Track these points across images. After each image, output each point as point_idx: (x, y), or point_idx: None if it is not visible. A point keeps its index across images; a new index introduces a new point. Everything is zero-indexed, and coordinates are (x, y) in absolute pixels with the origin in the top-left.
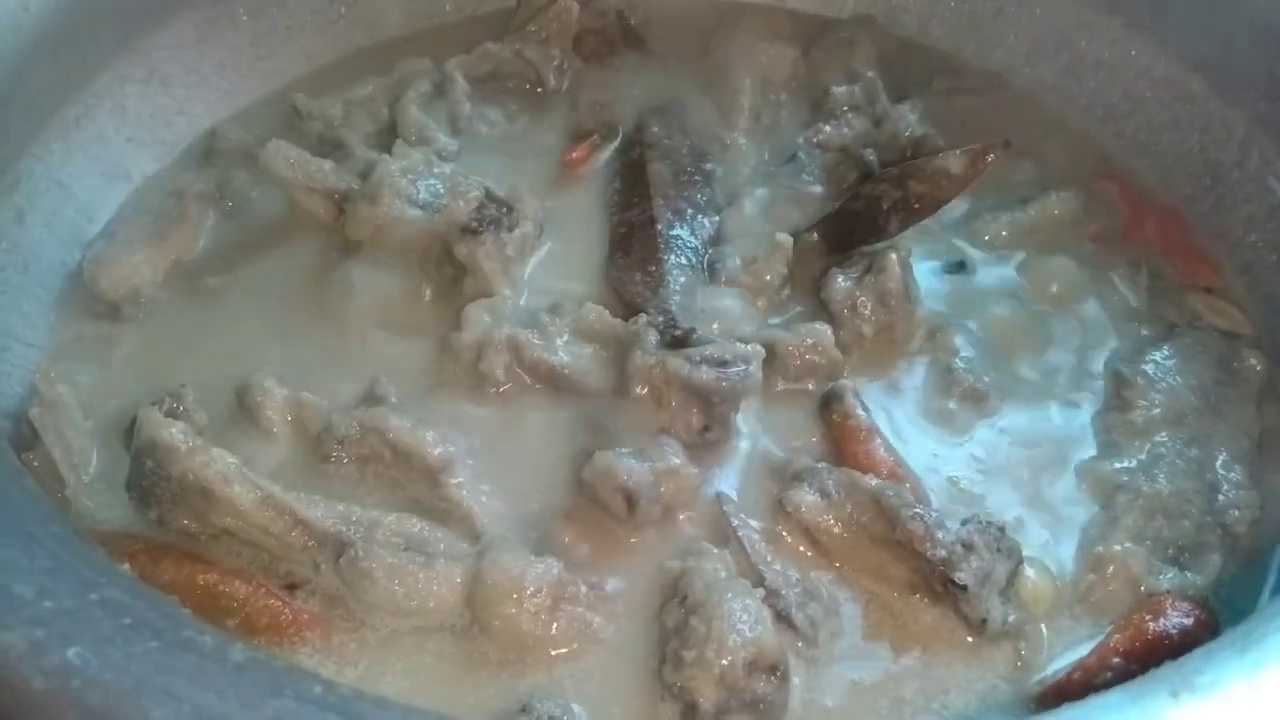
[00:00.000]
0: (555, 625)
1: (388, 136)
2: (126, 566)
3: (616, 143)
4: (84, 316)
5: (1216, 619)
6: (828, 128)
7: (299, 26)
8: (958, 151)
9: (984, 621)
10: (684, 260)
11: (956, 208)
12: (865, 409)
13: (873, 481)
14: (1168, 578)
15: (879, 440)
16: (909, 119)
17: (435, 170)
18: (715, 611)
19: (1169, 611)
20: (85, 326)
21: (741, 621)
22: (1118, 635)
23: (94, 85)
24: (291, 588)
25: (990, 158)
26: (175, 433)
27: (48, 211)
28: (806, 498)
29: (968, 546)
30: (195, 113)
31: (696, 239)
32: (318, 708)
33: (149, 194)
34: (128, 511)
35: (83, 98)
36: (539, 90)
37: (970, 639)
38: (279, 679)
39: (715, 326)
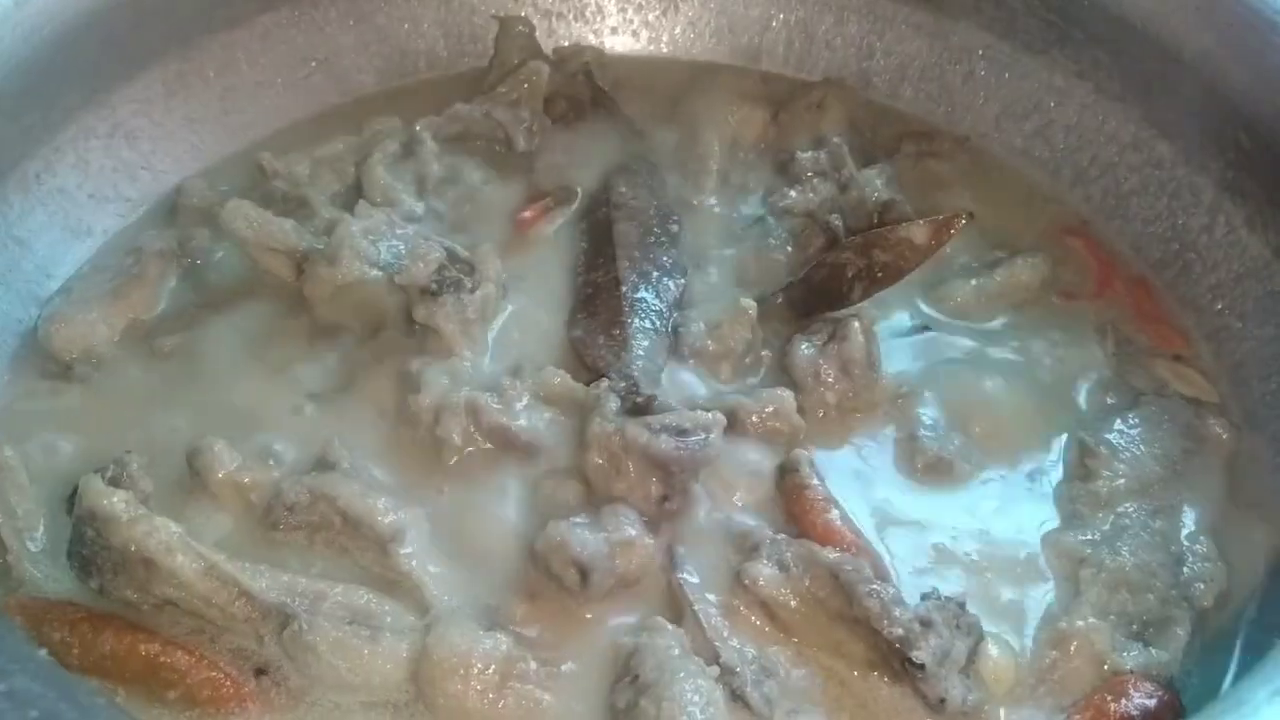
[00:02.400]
0: (502, 703)
1: (354, 196)
2: (44, 653)
3: (574, 206)
4: (37, 376)
5: (1180, 700)
6: (793, 193)
7: (269, 83)
8: (921, 222)
9: (943, 701)
10: (649, 324)
11: (922, 272)
12: (820, 479)
13: (831, 555)
14: (1132, 655)
15: (836, 511)
16: (875, 184)
17: (398, 231)
18: (665, 692)
19: (1131, 692)
20: (37, 386)
21: (693, 703)
22: (1078, 717)
23: (56, 140)
24: (260, 673)
25: (954, 229)
26: (116, 502)
27: (4, 268)
28: (764, 571)
29: (926, 624)
30: (161, 168)
31: (662, 302)
32: None
33: (111, 251)
34: (73, 580)
35: (44, 152)
36: (508, 151)
37: (929, 719)
38: None
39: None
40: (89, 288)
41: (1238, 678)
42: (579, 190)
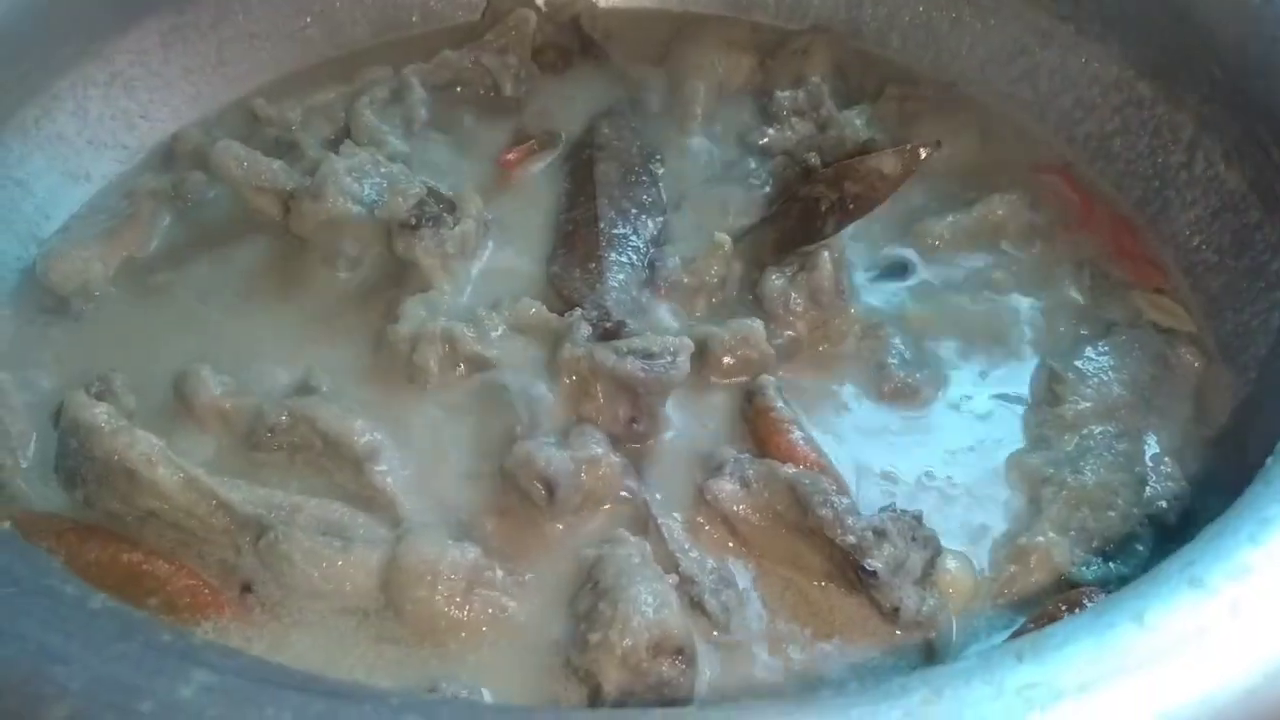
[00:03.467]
0: (469, 609)
1: (344, 140)
2: (7, 525)
3: (558, 149)
4: (35, 310)
5: None
6: (771, 131)
7: (264, 34)
8: (890, 151)
9: (896, 610)
10: (625, 258)
11: (901, 209)
12: (785, 402)
13: (790, 470)
14: (1091, 570)
15: (798, 432)
16: (855, 124)
17: (381, 169)
18: (621, 595)
19: (1085, 603)
20: (36, 319)
21: (646, 605)
22: (1031, 625)
23: (55, 88)
24: (246, 589)
25: (924, 155)
26: (99, 414)
27: (4, 208)
28: (726, 486)
29: (880, 533)
30: (158, 117)
31: (639, 238)
32: (161, 652)
33: (108, 195)
34: (62, 497)
35: (42, 99)
36: (496, 98)
37: (882, 627)
38: (130, 626)
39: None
40: (86, 228)
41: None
42: (563, 134)
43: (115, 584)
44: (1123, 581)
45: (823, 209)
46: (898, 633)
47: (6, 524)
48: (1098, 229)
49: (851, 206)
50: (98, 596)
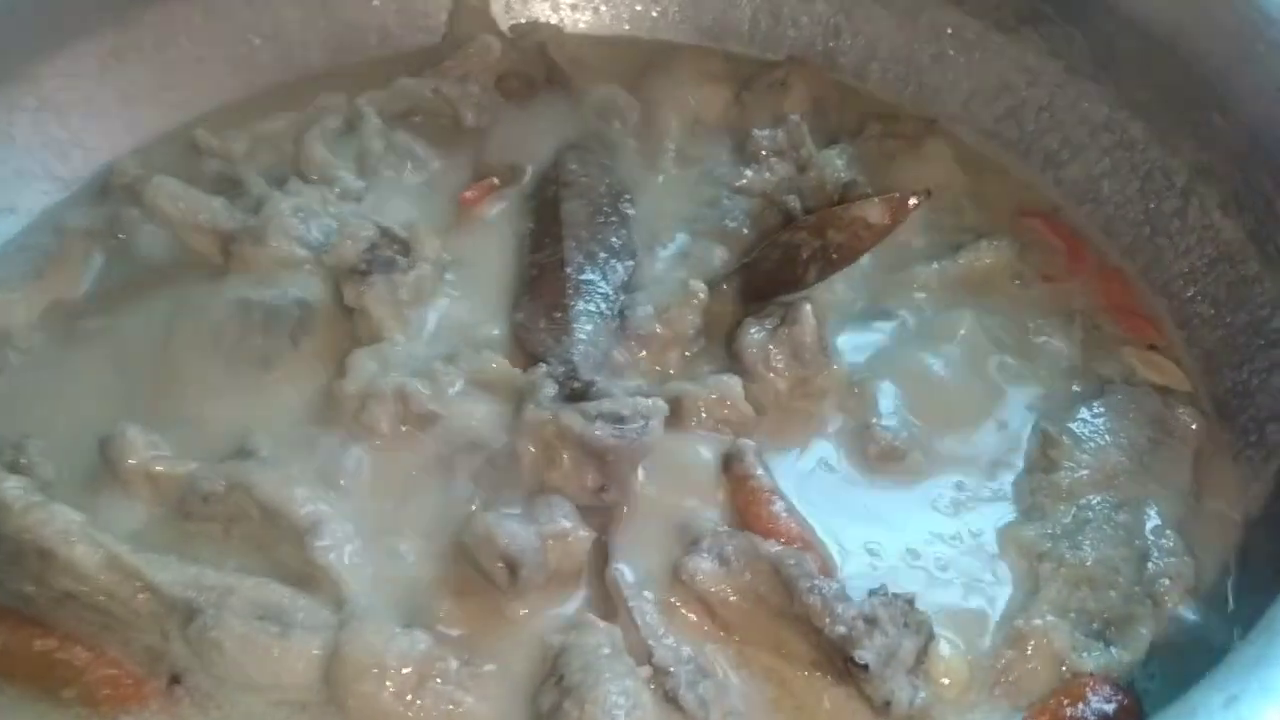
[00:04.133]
0: (419, 704)
1: (291, 175)
2: None
3: (521, 185)
4: None
5: (1140, 704)
6: (749, 172)
7: (210, 58)
8: (877, 200)
9: (888, 704)
10: (593, 307)
11: (884, 255)
12: (766, 469)
13: (773, 548)
14: (1093, 655)
15: (781, 503)
16: (835, 164)
17: (330, 209)
18: (589, 695)
19: (1090, 696)
20: None
21: (617, 706)
22: None
23: None
24: (175, 681)
25: (912, 205)
26: (10, 488)
27: None
28: (703, 565)
29: (871, 622)
30: (92, 145)
31: (608, 284)
32: None
33: (37, 230)
34: None
35: None
36: (456, 129)
37: None
38: None
39: (618, 376)
40: (10, 267)
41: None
42: (528, 169)
43: (27, 674)
44: (1125, 669)
45: (804, 256)
46: None
47: None
48: (1087, 278)
49: (835, 256)
50: None
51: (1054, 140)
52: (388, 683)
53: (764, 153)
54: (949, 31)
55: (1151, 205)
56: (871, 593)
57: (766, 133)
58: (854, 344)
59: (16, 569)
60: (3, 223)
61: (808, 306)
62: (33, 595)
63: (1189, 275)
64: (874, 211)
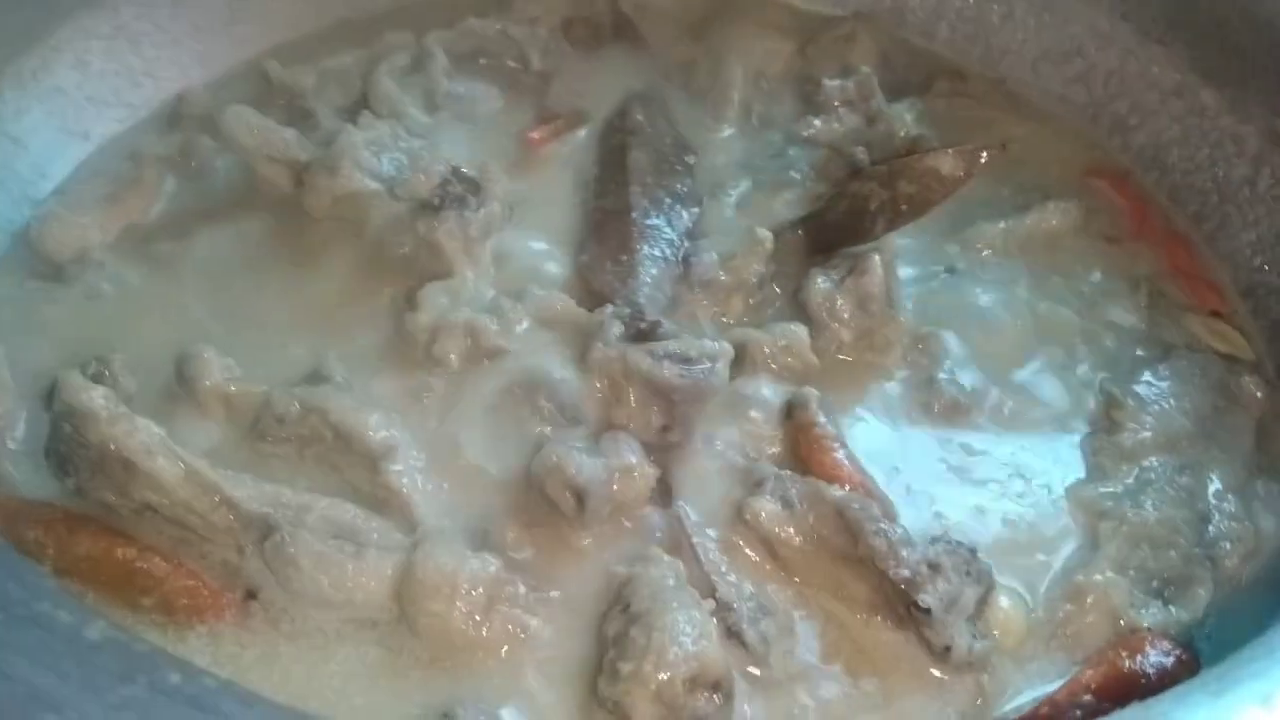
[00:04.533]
0: (488, 626)
1: (360, 109)
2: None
3: (586, 129)
4: (27, 276)
5: (1198, 660)
6: (817, 122)
7: None
8: (950, 151)
9: (948, 649)
10: (658, 252)
11: (950, 212)
12: (828, 417)
13: (838, 493)
14: (1150, 612)
15: (843, 451)
16: (905, 118)
17: (401, 144)
18: (656, 622)
19: (1148, 649)
20: (28, 286)
21: (684, 634)
22: (1090, 671)
23: (54, 38)
24: (250, 596)
25: (984, 159)
26: (96, 398)
27: None
28: (767, 506)
29: (934, 568)
30: (164, 75)
31: (673, 230)
32: (170, 699)
33: (109, 156)
34: (51, 482)
35: (41, 50)
36: (522, 71)
37: (932, 668)
38: (133, 664)
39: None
40: (84, 190)
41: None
42: (592, 114)
43: (108, 581)
44: (1182, 628)
45: (872, 208)
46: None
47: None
48: (1152, 242)
49: (904, 208)
50: (96, 624)
51: (1123, 105)
52: (458, 603)
53: (834, 103)
54: None
55: (1220, 173)
56: (934, 540)
57: (836, 83)
58: (920, 297)
59: (101, 477)
60: (76, 147)
61: (876, 258)
62: (115, 505)
63: (1256, 244)
64: (947, 163)
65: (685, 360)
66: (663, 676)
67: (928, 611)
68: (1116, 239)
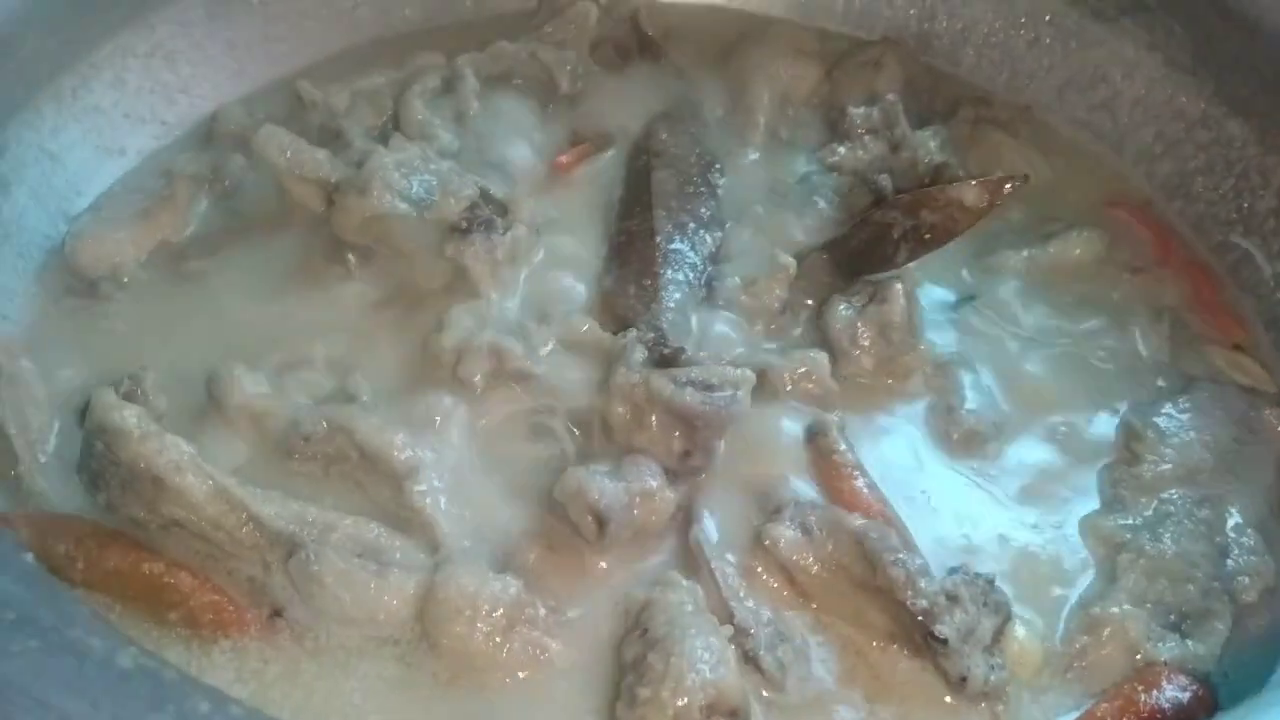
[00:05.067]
0: (508, 648)
1: (391, 130)
2: (30, 558)
3: (612, 152)
4: (61, 292)
5: (1215, 697)
6: (842, 149)
7: (313, 12)
8: (973, 181)
9: (964, 679)
10: (681, 276)
11: (971, 239)
12: (849, 444)
13: (857, 521)
14: (1167, 646)
15: (862, 478)
16: (929, 146)
17: (431, 166)
18: (675, 648)
19: (1164, 684)
20: (62, 302)
21: (702, 661)
22: (1106, 705)
23: (94, 56)
24: (276, 614)
25: (1008, 189)
26: (128, 416)
27: (35, 181)
28: (786, 533)
29: (952, 598)
30: (199, 92)
31: (697, 254)
32: None
33: (143, 173)
34: (82, 496)
35: (81, 68)
36: (551, 94)
37: (948, 697)
38: (163, 693)
39: (703, 354)
40: (119, 207)
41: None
42: (619, 137)
43: (135, 595)
44: (1199, 662)
45: (895, 236)
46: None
47: (24, 542)
48: (1175, 272)
49: (927, 236)
50: (128, 652)
51: (1148, 134)
52: (479, 624)
53: (860, 130)
54: (1047, 19)
55: (1245, 204)
56: (952, 571)
57: (862, 110)
58: (941, 326)
59: (131, 494)
60: (112, 164)
61: (898, 286)
62: (143, 521)
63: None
64: (971, 194)
65: (708, 387)
66: (680, 703)
67: (944, 641)
68: (1139, 269)
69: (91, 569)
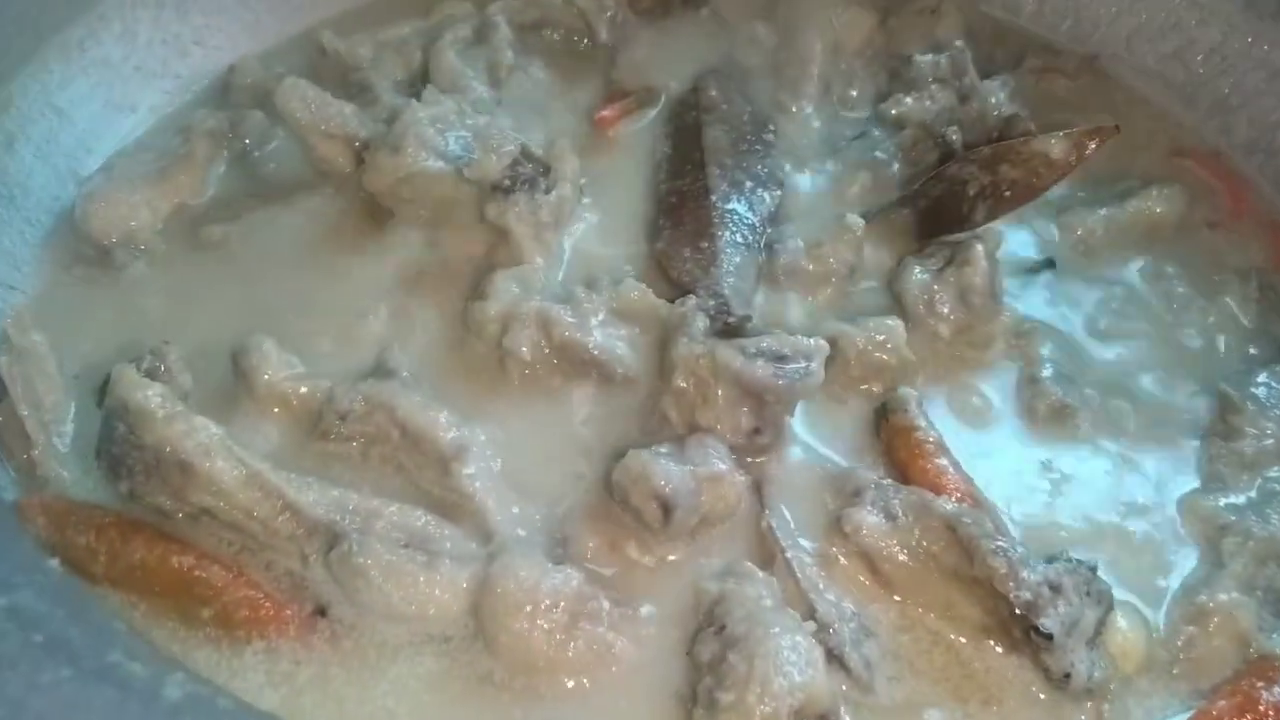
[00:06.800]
0: (571, 646)
1: (420, 83)
2: (56, 563)
3: (657, 108)
4: (72, 259)
5: None
6: (908, 100)
7: None
8: (1060, 134)
9: (1068, 676)
10: (739, 238)
11: (1046, 198)
12: (929, 420)
13: (948, 505)
14: None
15: (945, 457)
16: (998, 96)
17: (468, 121)
18: (758, 648)
19: None
20: (73, 270)
21: (789, 663)
22: (1223, 703)
23: (101, 6)
24: (320, 613)
25: (1096, 144)
26: (152, 395)
27: (41, 139)
28: (868, 519)
29: (1055, 589)
30: (214, 44)
31: (754, 215)
32: None
33: (157, 131)
34: (102, 482)
35: (88, 19)
36: (588, 44)
37: (1045, 695)
38: None
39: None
40: (132, 167)
41: None
42: (662, 91)
43: (163, 590)
44: None
45: (971, 193)
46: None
47: (55, 562)
48: (1255, 229)
49: (1007, 194)
50: (174, 678)
51: (1224, 84)
52: (540, 620)
53: (927, 79)
54: None
55: None
56: (1052, 559)
57: (929, 57)
58: (1018, 291)
59: (155, 481)
60: (123, 120)
61: (979, 247)
62: (170, 510)
63: None
64: (1057, 147)
65: (779, 358)
66: (767, 708)
67: (1049, 637)
68: (1216, 224)
69: (115, 563)
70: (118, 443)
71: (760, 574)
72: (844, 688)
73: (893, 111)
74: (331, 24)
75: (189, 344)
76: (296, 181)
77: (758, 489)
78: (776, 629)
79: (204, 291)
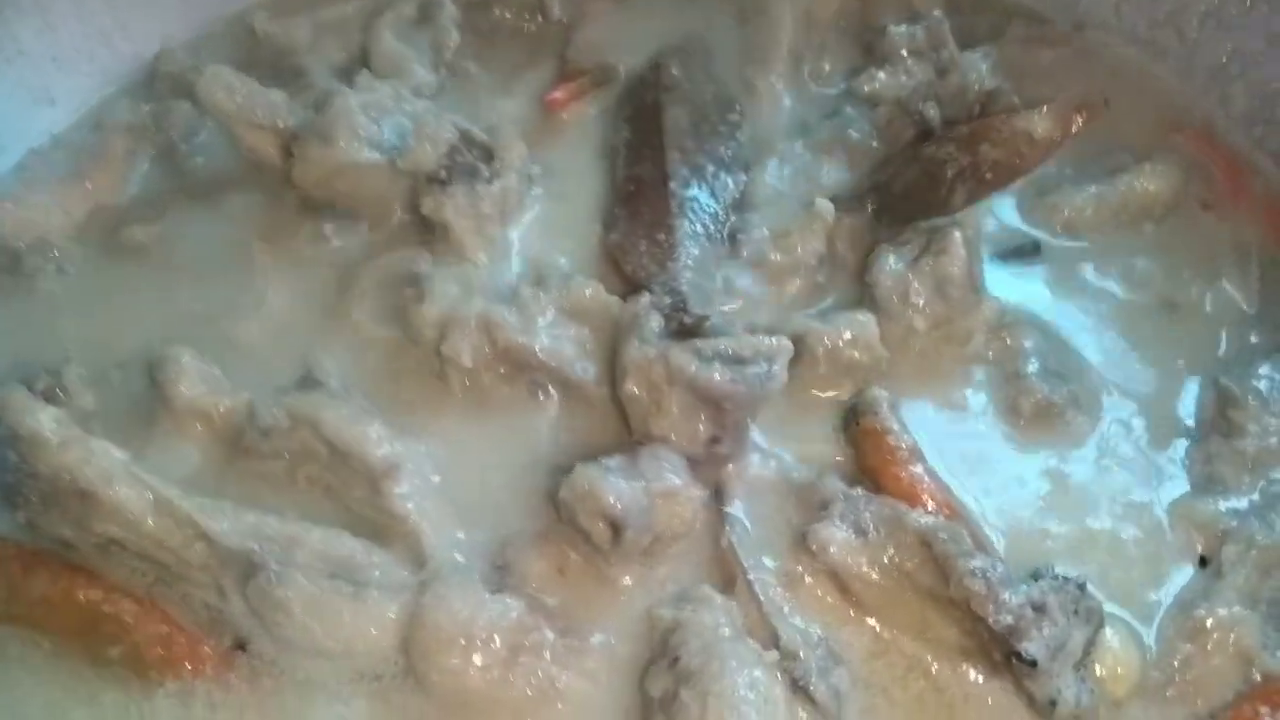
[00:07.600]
0: (511, 683)
1: (360, 68)
2: None
3: (614, 88)
4: None
5: None
6: (882, 74)
7: None
8: (1043, 109)
9: (1053, 703)
10: (700, 228)
11: (1029, 178)
12: (902, 423)
13: (922, 519)
14: None
15: (920, 464)
16: (980, 69)
17: (405, 108)
18: (713, 685)
19: None
20: None
21: (746, 701)
22: None
23: None
24: (240, 647)
25: (1082, 120)
26: (45, 420)
27: None
28: (837, 534)
29: (1039, 609)
30: (139, 33)
31: (717, 202)
32: None
33: (79, 126)
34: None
35: (3, 9)
36: (541, 21)
37: None
38: None
39: (730, 308)
40: (47, 165)
41: None
42: (621, 70)
43: (68, 628)
44: None
45: (950, 175)
46: None
47: None
48: (1254, 209)
49: (988, 175)
50: None
51: (1221, 51)
52: (475, 656)
53: (901, 52)
54: None
55: None
56: (1036, 575)
57: (904, 28)
58: (1000, 280)
59: (55, 510)
60: (39, 115)
61: (957, 234)
62: (74, 540)
63: None
64: (1041, 124)
65: (738, 361)
66: None
67: (1033, 663)
68: (1211, 205)
69: (14, 598)
70: (10, 471)
71: (719, 599)
72: None
73: (866, 88)
74: (266, 6)
75: (105, 357)
76: (226, 177)
77: (716, 504)
78: (734, 663)
79: (122, 299)
